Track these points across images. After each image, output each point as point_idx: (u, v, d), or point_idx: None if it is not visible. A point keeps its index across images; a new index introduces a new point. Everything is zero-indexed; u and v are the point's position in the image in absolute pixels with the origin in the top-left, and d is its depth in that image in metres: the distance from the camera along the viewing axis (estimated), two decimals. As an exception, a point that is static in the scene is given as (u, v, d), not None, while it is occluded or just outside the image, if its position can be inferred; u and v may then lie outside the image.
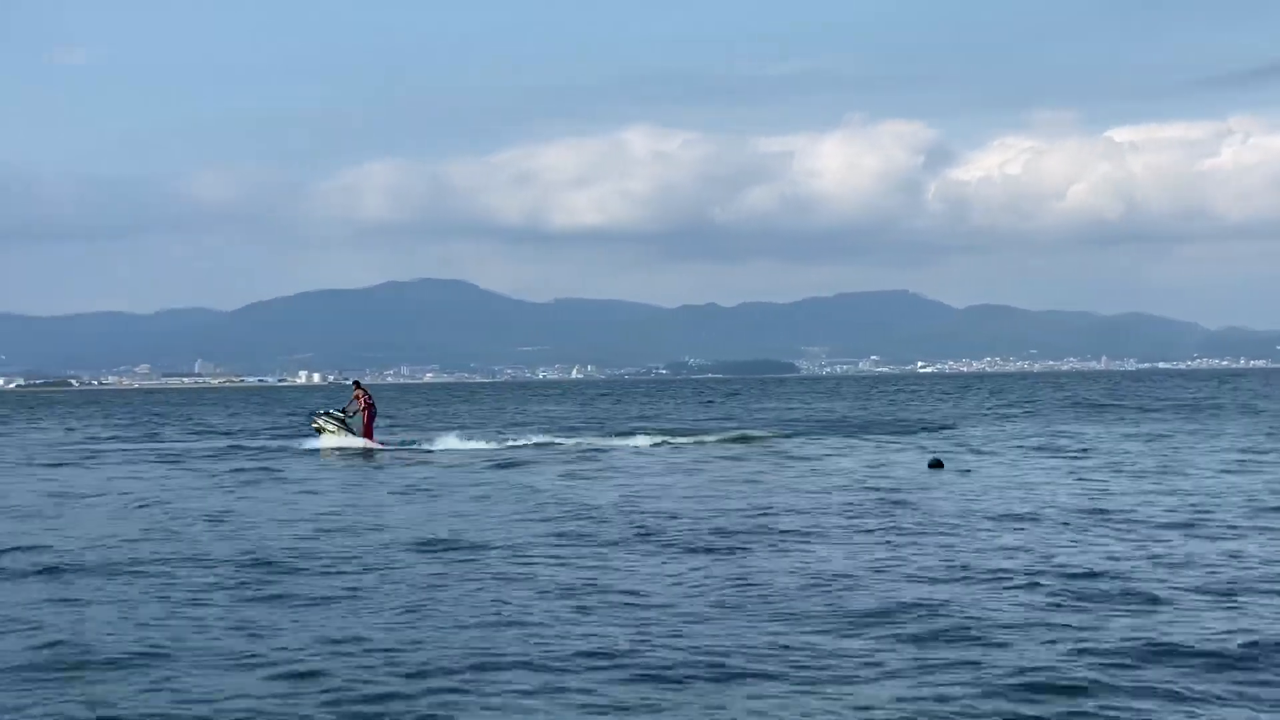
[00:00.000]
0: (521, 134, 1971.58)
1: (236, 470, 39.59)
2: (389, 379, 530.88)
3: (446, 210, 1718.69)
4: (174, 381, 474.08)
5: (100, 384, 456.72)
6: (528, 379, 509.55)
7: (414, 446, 48.79)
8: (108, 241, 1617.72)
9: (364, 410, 47.32)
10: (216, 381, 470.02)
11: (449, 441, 49.62)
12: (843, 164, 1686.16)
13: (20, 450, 54.43)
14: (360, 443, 46.59)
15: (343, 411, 47.84)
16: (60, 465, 44.42)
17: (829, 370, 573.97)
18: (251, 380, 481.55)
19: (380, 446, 46.92)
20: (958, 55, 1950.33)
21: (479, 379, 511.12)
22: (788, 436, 53.92)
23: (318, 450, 46.32)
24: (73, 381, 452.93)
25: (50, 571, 19.42)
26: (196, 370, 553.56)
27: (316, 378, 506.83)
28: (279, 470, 39.19)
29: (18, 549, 21.80)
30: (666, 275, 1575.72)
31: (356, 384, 49.82)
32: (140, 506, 29.06)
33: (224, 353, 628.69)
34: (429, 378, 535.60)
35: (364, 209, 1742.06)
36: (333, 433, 47.27)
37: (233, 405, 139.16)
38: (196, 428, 76.29)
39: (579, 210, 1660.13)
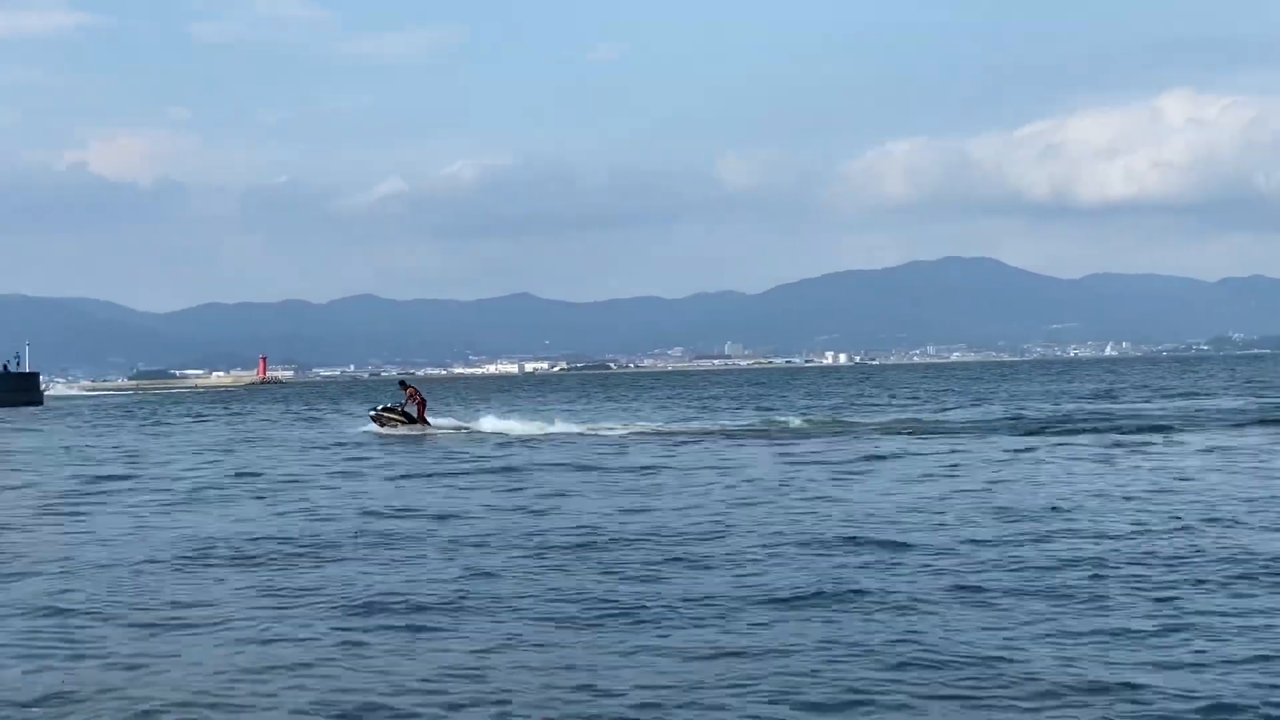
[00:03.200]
0: (1048, 106, 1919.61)
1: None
2: (915, 358, 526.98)
3: (971, 187, 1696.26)
4: (705, 364, 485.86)
5: (636, 367, 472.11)
6: (1057, 357, 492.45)
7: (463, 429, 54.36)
8: (641, 229, 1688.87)
9: (416, 404, 54.47)
10: (746, 363, 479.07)
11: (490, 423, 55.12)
12: None
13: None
14: (419, 429, 53.26)
15: (402, 407, 54.63)
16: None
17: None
18: (779, 361, 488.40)
19: (435, 431, 53.62)
20: None
21: (1006, 357, 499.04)
22: None
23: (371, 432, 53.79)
24: (610, 365, 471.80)
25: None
26: (726, 352, 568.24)
27: (843, 358, 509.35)
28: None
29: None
30: (1206, 246, 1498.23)
31: (402, 384, 58.10)
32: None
33: (752, 335, 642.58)
34: (955, 357, 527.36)
35: (886, 188, 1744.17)
36: (398, 423, 53.97)
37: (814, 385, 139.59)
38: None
39: (1110, 182, 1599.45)
